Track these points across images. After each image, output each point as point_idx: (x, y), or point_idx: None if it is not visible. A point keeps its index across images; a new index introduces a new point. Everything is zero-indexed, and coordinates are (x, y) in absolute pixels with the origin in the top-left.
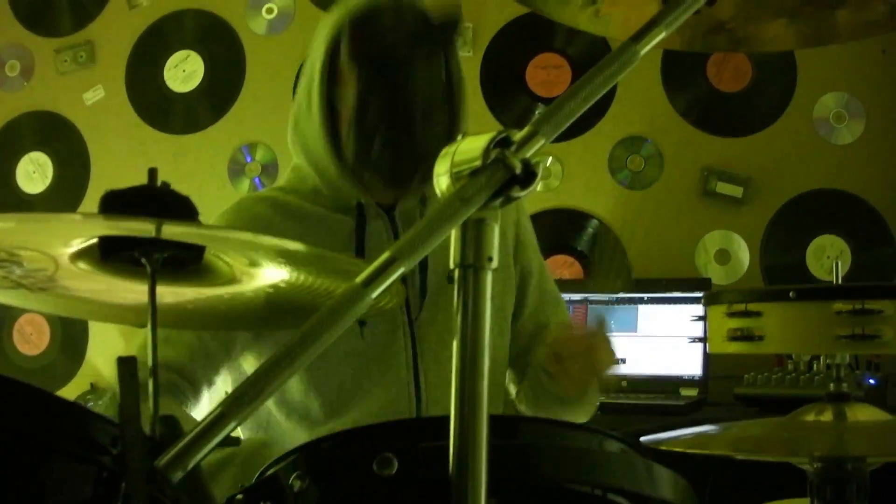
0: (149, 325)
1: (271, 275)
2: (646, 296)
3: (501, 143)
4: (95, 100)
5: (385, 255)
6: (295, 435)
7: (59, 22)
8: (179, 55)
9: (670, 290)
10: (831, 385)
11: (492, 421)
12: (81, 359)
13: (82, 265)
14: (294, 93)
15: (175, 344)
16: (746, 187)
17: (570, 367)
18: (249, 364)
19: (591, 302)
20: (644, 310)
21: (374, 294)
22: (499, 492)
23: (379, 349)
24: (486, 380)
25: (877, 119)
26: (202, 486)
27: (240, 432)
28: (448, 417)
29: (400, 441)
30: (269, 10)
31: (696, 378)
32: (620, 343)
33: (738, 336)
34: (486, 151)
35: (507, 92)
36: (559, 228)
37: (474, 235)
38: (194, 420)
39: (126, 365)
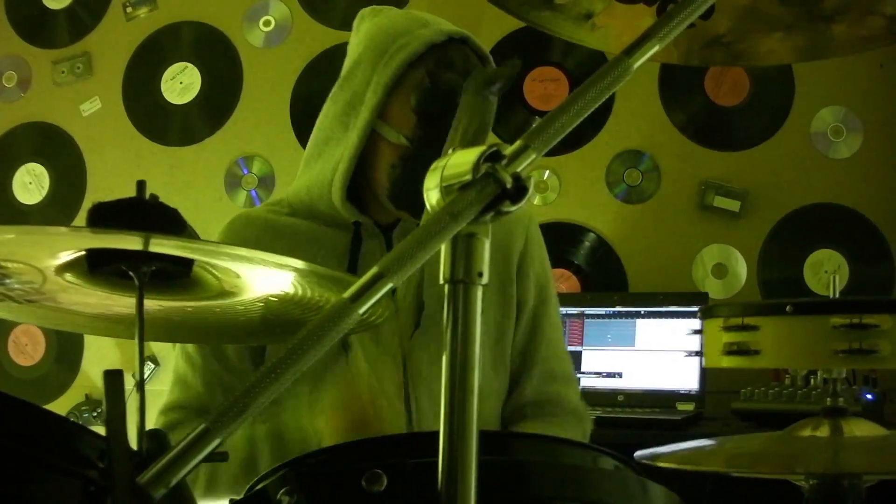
0: (137, 339)
1: (262, 289)
2: (643, 310)
3: (492, 157)
4: (92, 111)
5: (373, 271)
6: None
7: (56, 33)
8: (176, 67)
9: (667, 304)
10: (828, 400)
11: (483, 437)
12: (76, 370)
13: (70, 278)
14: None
15: (191, 386)
16: (744, 201)
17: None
18: None
19: (588, 316)
20: (641, 324)
21: (362, 309)
22: None
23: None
24: (476, 395)
25: (874, 133)
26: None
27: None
28: (437, 433)
29: (389, 457)
30: (267, 23)
31: (693, 392)
32: (617, 357)
33: (734, 350)
34: (477, 165)
35: (504, 105)
36: (556, 242)
37: (464, 250)
38: None
39: (113, 378)
